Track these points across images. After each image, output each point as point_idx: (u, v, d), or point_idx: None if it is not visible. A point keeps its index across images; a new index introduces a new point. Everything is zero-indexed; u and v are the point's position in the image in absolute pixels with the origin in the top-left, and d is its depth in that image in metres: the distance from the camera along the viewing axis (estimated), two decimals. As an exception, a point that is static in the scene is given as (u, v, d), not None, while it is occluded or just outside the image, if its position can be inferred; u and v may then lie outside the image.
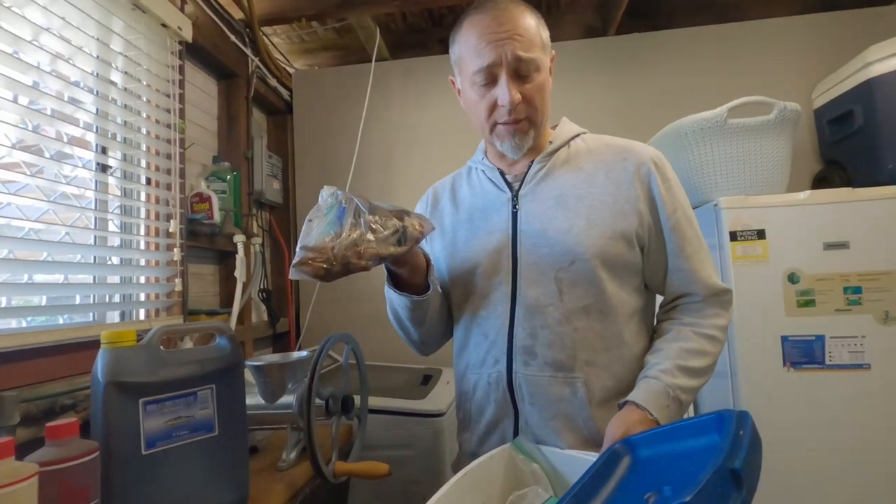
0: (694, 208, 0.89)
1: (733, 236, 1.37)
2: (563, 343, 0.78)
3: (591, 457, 0.65)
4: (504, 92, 0.77)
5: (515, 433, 0.81)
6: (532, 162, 0.86)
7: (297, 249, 0.70)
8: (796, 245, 1.34)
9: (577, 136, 0.89)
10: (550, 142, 0.87)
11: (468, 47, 0.80)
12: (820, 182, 1.79)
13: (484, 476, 0.65)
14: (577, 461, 0.67)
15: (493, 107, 0.80)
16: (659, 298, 0.89)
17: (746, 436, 0.52)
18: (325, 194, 0.74)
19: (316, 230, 0.71)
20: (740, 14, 2.03)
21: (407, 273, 0.81)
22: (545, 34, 0.83)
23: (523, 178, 0.86)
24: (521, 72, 0.78)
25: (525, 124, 0.81)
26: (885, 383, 1.28)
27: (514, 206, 0.85)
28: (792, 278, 1.34)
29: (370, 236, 0.69)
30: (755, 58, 1.90)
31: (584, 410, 0.77)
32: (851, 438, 1.28)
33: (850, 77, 1.59)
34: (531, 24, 0.80)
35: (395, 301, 0.87)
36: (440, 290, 0.88)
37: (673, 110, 1.66)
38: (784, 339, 1.33)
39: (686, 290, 0.82)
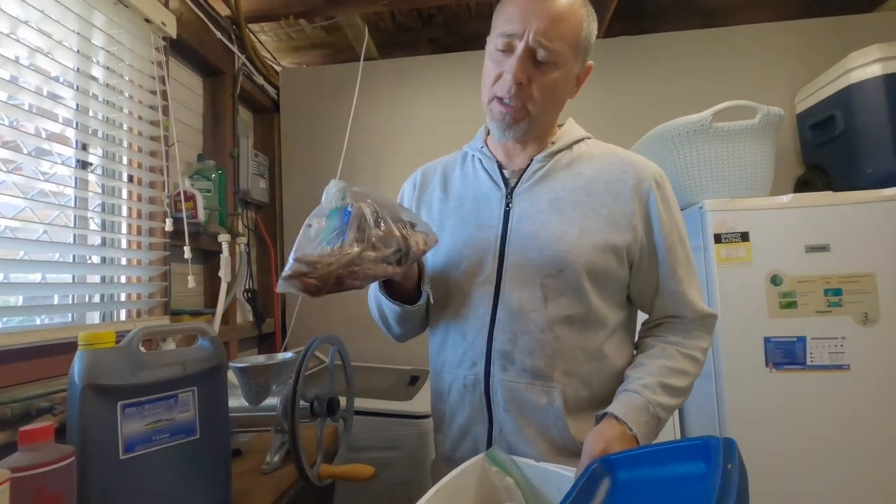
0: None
1: (718, 238, 1.38)
2: (544, 351, 0.76)
3: (567, 471, 0.64)
4: (512, 65, 0.74)
5: (489, 439, 0.79)
6: (532, 159, 0.83)
7: (291, 259, 0.65)
8: (779, 247, 1.36)
9: (582, 139, 0.86)
10: (553, 142, 0.84)
11: (504, 7, 0.78)
12: (802, 185, 1.82)
13: (457, 491, 0.63)
14: (552, 475, 0.65)
15: (499, 77, 0.77)
16: (641, 314, 0.88)
17: (735, 470, 0.50)
18: (333, 190, 0.69)
19: (314, 239, 0.67)
20: (726, 19, 2.06)
21: (398, 279, 0.78)
22: (586, 38, 0.78)
23: (521, 175, 0.83)
24: (538, 56, 0.75)
25: (520, 111, 0.78)
26: (863, 384, 1.31)
27: (507, 204, 0.82)
28: (775, 280, 1.36)
29: (370, 254, 0.65)
30: (740, 62, 1.93)
31: (560, 420, 0.75)
32: (831, 438, 1.31)
33: (832, 83, 1.62)
34: (574, 19, 0.76)
35: (382, 304, 0.85)
36: (430, 294, 0.84)
37: (659, 113, 1.67)
38: (767, 340, 1.35)
39: (675, 313, 0.81)
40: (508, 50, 0.76)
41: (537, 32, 0.73)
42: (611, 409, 0.72)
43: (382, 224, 0.68)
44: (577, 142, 0.85)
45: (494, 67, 0.78)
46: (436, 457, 0.91)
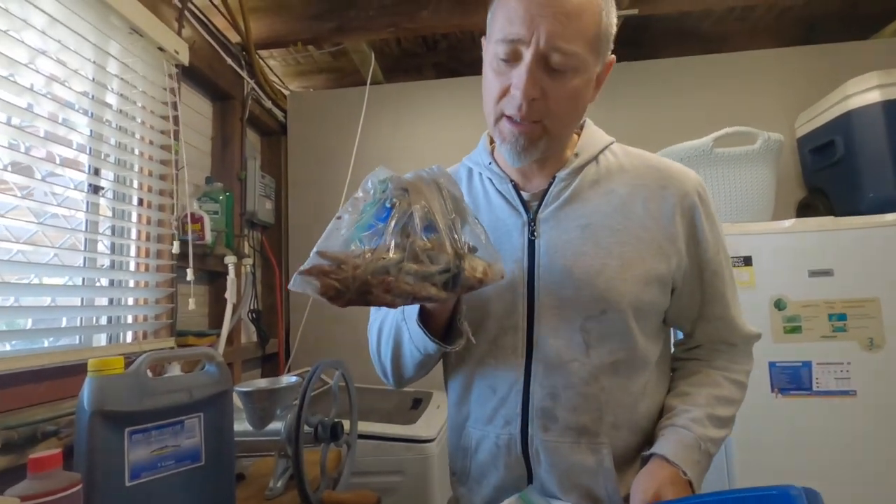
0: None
1: (721, 263, 1.39)
2: (589, 405, 0.66)
3: None
4: (520, 78, 0.61)
5: None
6: (554, 177, 0.71)
7: (313, 253, 0.53)
8: (782, 272, 1.37)
9: (606, 147, 0.74)
10: (576, 154, 0.72)
11: (503, 6, 0.63)
12: (804, 209, 1.83)
13: None
14: None
15: (505, 92, 0.64)
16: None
17: None
18: (375, 180, 0.56)
19: (343, 233, 0.54)
20: (725, 45, 2.10)
21: (433, 311, 0.64)
22: (606, 29, 0.64)
23: (542, 197, 0.71)
24: (551, 63, 0.61)
25: (537, 129, 0.64)
26: (870, 410, 1.29)
27: (531, 233, 0.70)
28: (778, 304, 1.36)
29: (411, 265, 0.51)
30: (739, 88, 1.96)
31: (611, 481, 0.66)
32: (838, 464, 1.29)
33: (831, 108, 1.64)
34: (591, 9, 0.61)
35: (405, 339, 0.69)
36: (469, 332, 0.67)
37: (659, 139, 1.69)
38: (772, 364, 1.34)
39: (723, 339, 0.74)
40: (514, 59, 0.62)
41: (549, 35, 0.59)
42: (659, 448, 0.64)
43: (433, 234, 0.54)
44: (602, 150, 0.73)
45: (498, 80, 0.64)
46: None
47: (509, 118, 0.65)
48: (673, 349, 0.81)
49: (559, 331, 0.67)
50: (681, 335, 0.80)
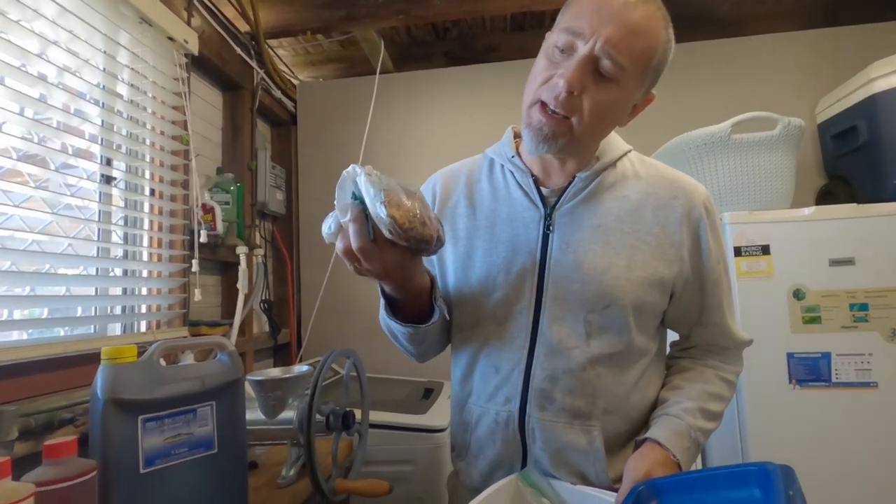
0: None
1: (738, 252, 1.36)
2: (584, 390, 0.71)
3: (606, 495, 0.62)
4: (568, 69, 0.64)
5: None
6: (574, 176, 0.74)
7: (382, 211, 0.55)
8: (801, 261, 1.33)
9: (625, 154, 0.78)
10: (597, 158, 0.75)
11: (576, 3, 0.67)
12: (824, 196, 1.78)
13: None
14: (590, 499, 0.63)
15: (548, 80, 0.66)
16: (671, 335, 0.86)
17: (798, 497, 0.49)
18: (354, 176, 0.61)
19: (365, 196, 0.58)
20: (744, 29, 2.04)
21: (406, 295, 0.70)
22: (659, 63, 0.68)
23: (560, 194, 0.75)
24: (600, 67, 0.64)
25: (563, 125, 0.67)
26: (892, 401, 1.26)
27: (546, 227, 0.74)
28: (797, 294, 1.33)
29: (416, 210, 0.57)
30: (759, 72, 1.91)
31: (600, 461, 0.71)
32: (858, 457, 1.26)
33: (854, 92, 1.59)
34: (653, 37, 0.65)
35: (391, 324, 0.76)
36: (444, 309, 0.76)
37: (678, 124, 1.66)
38: (790, 355, 1.31)
39: (717, 343, 0.80)
40: (568, 50, 0.65)
41: (607, 40, 0.62)
42: (652, 433, 0.69)
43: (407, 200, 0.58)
44: (620, 157, 0.77)
45: (547, 68, 0.67)
46: (459, 485, 0.85)
47: (543, 105, 0.67)
48: (669, 349, 0.86)
49: (564, 320, 0.72)
50: (677, 336, 0.85)
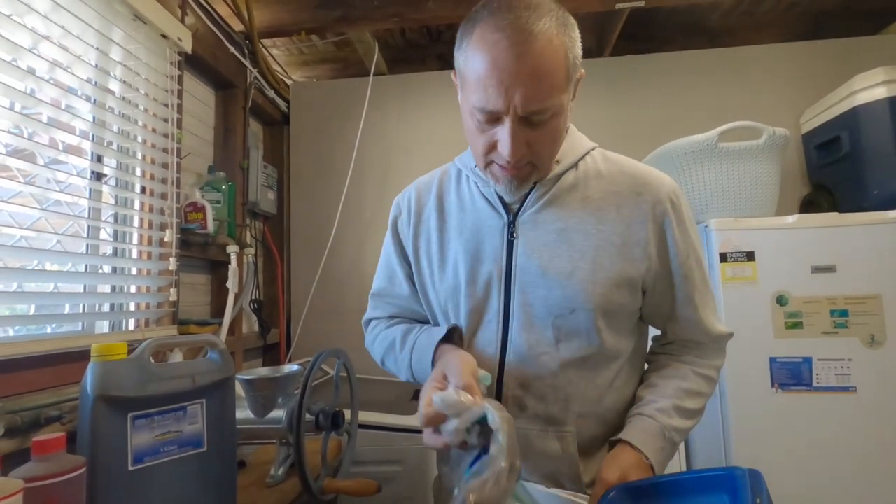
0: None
1: (723, 258, 1.39)
2: (557, 396, 0.71)
3: (580, 499, 0.63)
4: (506, 142, 0.64)
5: None
6: (535, 183, 0.75)
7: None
8: (785, 267, 1.37)
9: (587, 153, 0.77)
10: (558, 161, 0.75)
11: (473, 70, 0.63)
12: (808, 205, 1.82)
13: None
14: (564, 503, 0.63)
15: (493, 147, 0.66)
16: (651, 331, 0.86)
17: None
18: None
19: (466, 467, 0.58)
20: (732, 39, 2.08)
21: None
22: (574, 61, 0.65)
23: (523, 201, 0.75)
24: (532, 120, 0.64)
25: (527, 170, 0.69)
26: (870, 406, 1.30)
27: (510, 234, 0.75)
28: (780, 300, 1.36)
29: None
30: (746, 82, 1.95)
31: (574, 466, 0.71)
32: (837, 460, 1.30)
33: (837, 104, 1.63)
34: (558, 58, 0.62)
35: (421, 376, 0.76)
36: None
37: (665, 132, 1.69)
38: (772, 360, 1.34)
39: (691, 338, 0.79)
40: (495, 121, 0.65)
41: (525, 101, 0.61)
42: (625, 435, 0.69)
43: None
44: (582, 157, 0.76)
45: (481, 134, 0.67)
46: (442, 488, 0.86)
47: (501, 167, 0.68)
48: (651, 344, 0.86)
49: (532, 326, 0.72)
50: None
